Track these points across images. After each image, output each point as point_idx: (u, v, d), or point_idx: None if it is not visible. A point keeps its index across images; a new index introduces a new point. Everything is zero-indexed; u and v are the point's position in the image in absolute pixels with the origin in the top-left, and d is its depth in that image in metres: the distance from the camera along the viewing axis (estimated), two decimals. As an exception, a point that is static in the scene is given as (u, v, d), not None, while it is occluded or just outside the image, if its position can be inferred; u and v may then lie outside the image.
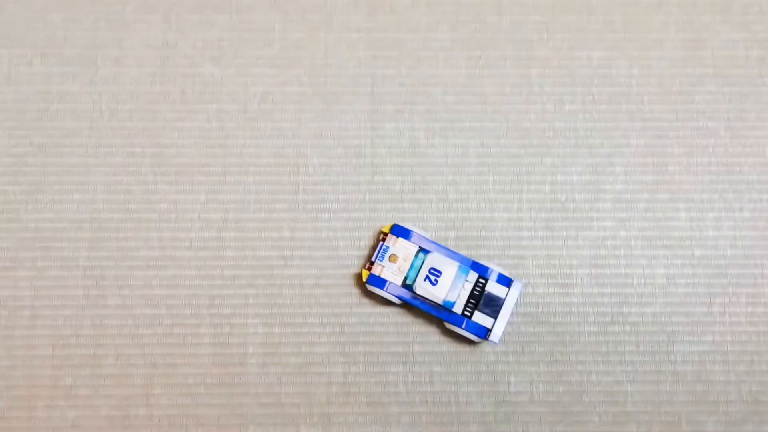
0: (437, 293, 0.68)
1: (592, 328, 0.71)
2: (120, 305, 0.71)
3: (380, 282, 0.69)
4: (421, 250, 0.69)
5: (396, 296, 0.69)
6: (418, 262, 0.69)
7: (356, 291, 0.71)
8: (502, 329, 0.67)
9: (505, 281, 0.68)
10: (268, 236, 0.72)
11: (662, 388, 0.70)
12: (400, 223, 0.71)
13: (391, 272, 0.69)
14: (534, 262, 0.72)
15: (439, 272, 0.68)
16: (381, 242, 0.70)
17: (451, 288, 0.68)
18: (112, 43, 0.75)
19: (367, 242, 0.72)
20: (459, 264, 0.68)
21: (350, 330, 0.71)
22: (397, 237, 0.69)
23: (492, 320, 0.67)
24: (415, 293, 0.68)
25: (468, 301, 0.68)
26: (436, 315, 0.68)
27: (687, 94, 0.75)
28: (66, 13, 0.75)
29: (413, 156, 0.73)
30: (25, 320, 0.70)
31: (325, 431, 0.69)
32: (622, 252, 0.72)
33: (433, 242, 0.69)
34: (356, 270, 0.71)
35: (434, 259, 0.68)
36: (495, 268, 0.68)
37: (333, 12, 0.76)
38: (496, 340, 0.67)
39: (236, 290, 0.71)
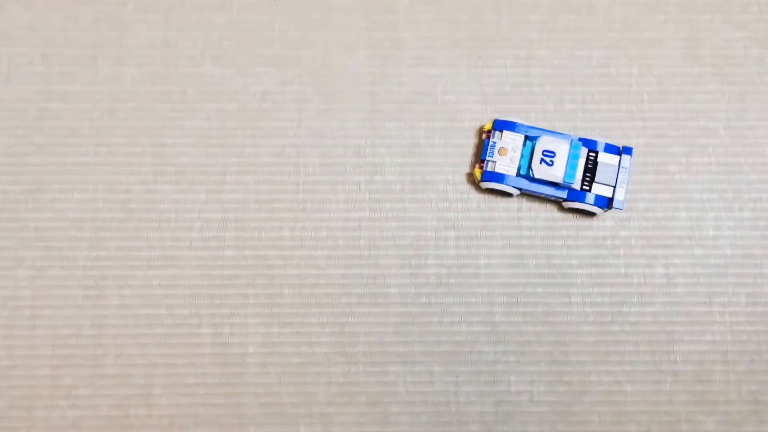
0: (556, 173, 0.69)
1: (591, 328, 0.71)
2: (120, 305, 0.71)
3: (497, 177, 0.70)
4: (527, 137, 0.71)
5: (514, 186, 0.70)
6: (527, 150, 0.70)
7: (356, 291, 0.71)
8: (623, 195, 0.69)
9: (614, 149, 0.70)
10: (268, 236, 0.72)
11: (662, 387, 0.70)
12: (500, 118, 0.72)
13: (504, 165, 0.70)
14: (534, 262, 0.72)
15: (553, 153, 0.69)
16: (486, 139, 0.71)
17: (567, 166, 0.69)
18: (113, 43, 0.75)
19: (366, 242, 0.72)
20: (569, 141, 0.69)
21: (350, 330, 0.71)
22: (501, 131, 0.71)
23: (610, 188, 0.69)
24: (533, 178, 0.70)
25: (584, 176, 0.70)
26: (556, 197, 0.70)
27: (686, 93, 0.75)
28: (66, 13, 0.75)
29: (413, 155, 0.73)
30: (25, 320, 0.70)
31: (324, 431, 0.70)
32: (621, 252, 0.72)
33: (536, 128, 0.71)
34: (357, 269, 0.72)
35: (545, 142, 0.69)
36: (601, 140, 0.70)
37: (333, 12, 0.76)
38: (621, 206, 0.69)
39: (236, 290, 0.71)
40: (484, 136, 0.72)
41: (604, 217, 0.72)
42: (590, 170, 0.70)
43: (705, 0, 0.76)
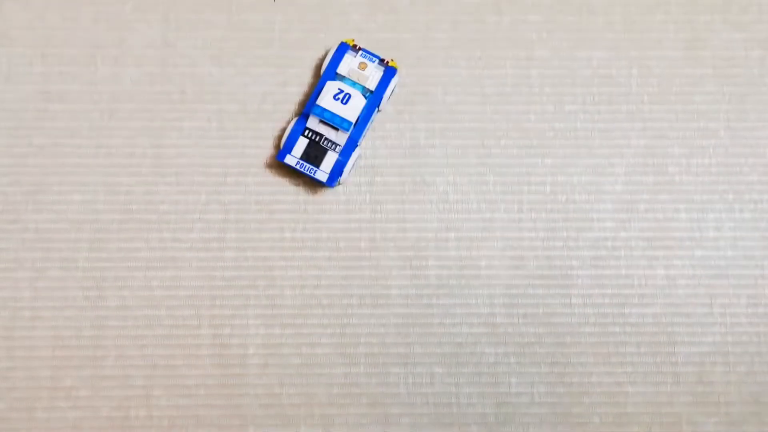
0: (329, 106, 0.70)
1: (592, 329, 0.71)
2: (120, 306, 0.71)
3: (331, 69, 0.72)
4: (371, 93, 0.72)
5: (326, 77, 0.72)
6: (358, 88, 0.72)
7: (357, 292, 0.71)
8: (292, 163, 0.71)
9: (337, 172, 0.71)
10: (268, 237, 0.72)
11: (663, 389, 0.71)
12: (401, 81, 0.75)
13: (347, 66, 0.72)
14: (534, 263, 0.72)
15: (348, 95, 0.71)
16: (382, 60, 0.73)
17: (338, 117, 0.70)
18: (112, 43, 0.75)
19: (367, 243, 0.72)
20: (354, 126, 0.71)
21: (351, 331, 0.71)
22: (383, 70, 0.72)
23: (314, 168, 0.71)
24: (337, 81, 0.72)
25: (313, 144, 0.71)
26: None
27: (687, 94, 0.75)
28: (65, 12, 0.75)
29: (413, 157, 0.73)
30: (25, 321, 0.70)
31: (325, 432, 0.70)
32: (622, 253, 0.72)
33: (377, 106, 0.72)
34: (357, 271, 0.71)
35: (358, 101, 0.71)
36: (352, 167, 0.71)
37: (333, 12, 0.76)
38: (284, 159, 0.71)
39: (237, 291, 0.71)
40: (385, 60, 0.73)
41: (604, 218, 0.72)
42: (317, 150, 0.71)
43: (705, 1, 0.76)
